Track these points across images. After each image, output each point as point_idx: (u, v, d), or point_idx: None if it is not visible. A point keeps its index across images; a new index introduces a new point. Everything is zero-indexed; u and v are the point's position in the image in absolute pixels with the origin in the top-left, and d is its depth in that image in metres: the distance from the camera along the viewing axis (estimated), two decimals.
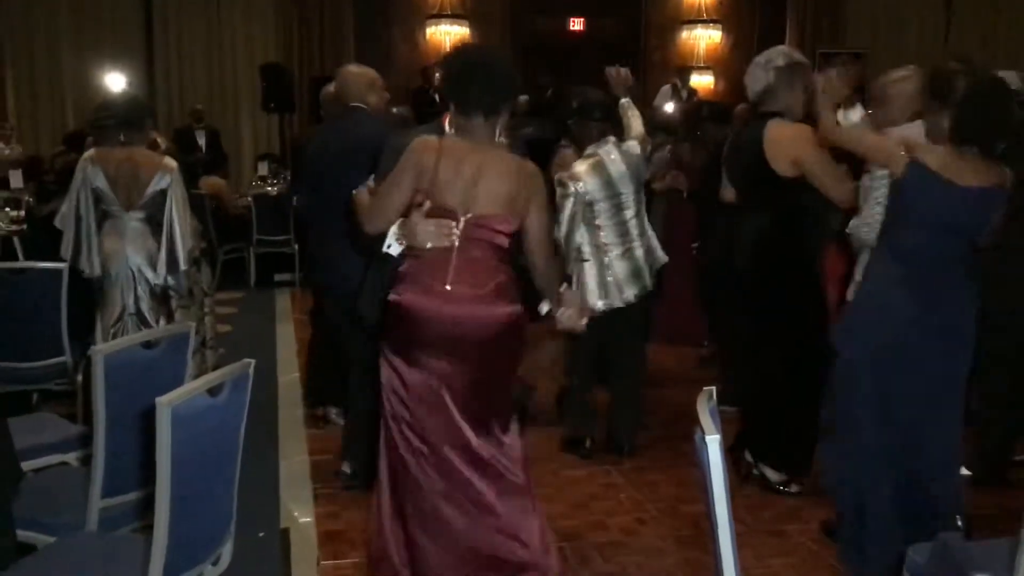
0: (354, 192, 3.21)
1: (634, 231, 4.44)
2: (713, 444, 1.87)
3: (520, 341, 3.01)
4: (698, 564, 3.48)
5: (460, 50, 3.15)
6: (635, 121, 4.56)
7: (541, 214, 2.98)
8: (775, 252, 3.99)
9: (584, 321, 3.08)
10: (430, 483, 2.92)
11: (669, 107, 8.18)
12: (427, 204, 2.87)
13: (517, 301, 2.97)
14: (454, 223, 2.88)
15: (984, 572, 2.17)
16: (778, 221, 3.96)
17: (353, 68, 4.42)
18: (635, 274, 4.43)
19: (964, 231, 3.15)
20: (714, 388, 2.10)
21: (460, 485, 2.93)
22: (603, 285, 4.39)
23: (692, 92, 11.01)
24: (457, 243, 2.88)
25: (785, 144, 3.88)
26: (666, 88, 10.73)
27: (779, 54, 4.06)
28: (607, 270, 4.38)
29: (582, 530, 3.81)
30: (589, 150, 4.43)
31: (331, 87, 5.12)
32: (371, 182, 3.18)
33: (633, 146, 4.44)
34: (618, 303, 4.40)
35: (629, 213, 4.41)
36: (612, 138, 4.43)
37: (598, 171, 4.34)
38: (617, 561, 3.56)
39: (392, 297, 2.92)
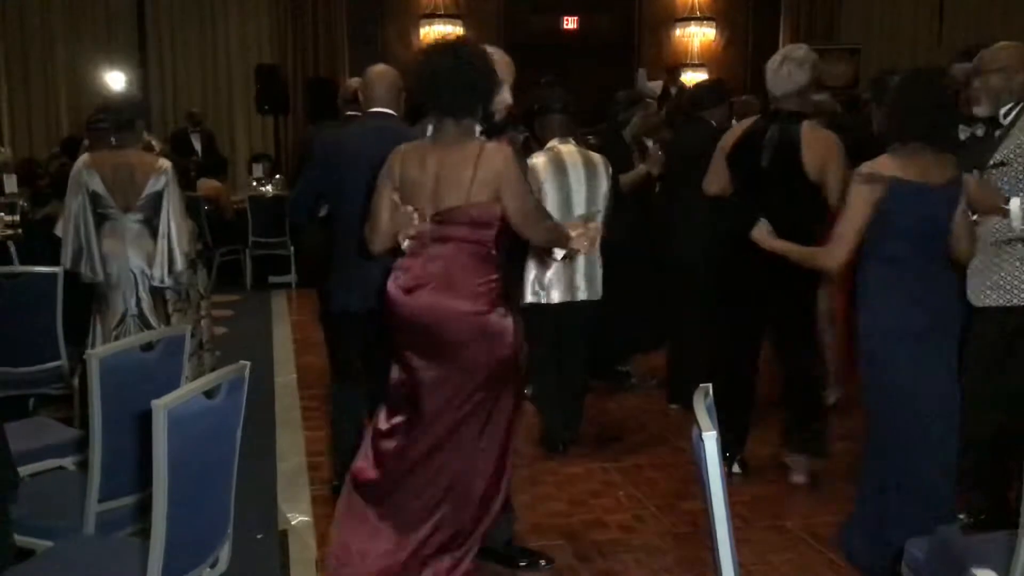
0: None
1: None
2: (710, 441, 1.87)
3: (487, 342, 2.98)
4: (697, 561, 3.48)
5: (430, 52, 3.09)
6: None
7: (515, 192, 2.95)
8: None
9: (593, 236, 3.24)
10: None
11: (648, 85, 8.16)
12: (396, 197, 2.99)
13: (490, 303, 2.98)
14: (414, 211, 2.95)
15: (983, 565, 2.17)
16: (801, 220, 3.88)
17: (380, 68, 4.06)
18: (565, 278, 4.41)
19: (921, 230, 3.16)
20: (710, 385, 2.10)
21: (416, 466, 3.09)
22: (538, 280, 4.38)
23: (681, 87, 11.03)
24: (427, 238, 2.97)
25: (823, 150, 3.89)
26: (657, 83, 10.71)
27: (807, 50, 4.00)
28: (543, 266, 4.35)
29: (581, 528, 3.81)
30: (550, 144, 4.43)
31: (352, 83, 5.04)
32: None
33: (598, 156, 4.47)
34: (545, 300, 4.41)
35: (577, 212, 4.35)
36: (572, 140, 4.47)
37: (554, 164, 4.33)
38: (616, 558, 3.56)
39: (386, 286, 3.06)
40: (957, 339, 3.26)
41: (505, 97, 3.29)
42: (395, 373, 3.12)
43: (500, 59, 3.30)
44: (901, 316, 3.15)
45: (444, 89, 2.93)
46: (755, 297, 4.11)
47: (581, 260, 4.41)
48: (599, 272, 4.52)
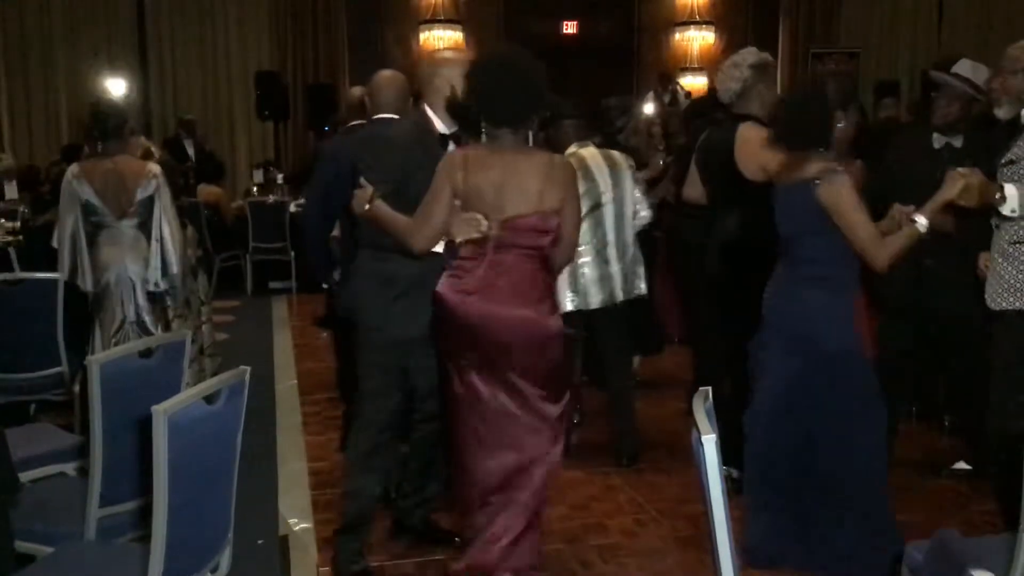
0: (369, 206, 3.13)
1: (611, 235, 4.40)
2: (709, 444, 1.87)
3: (544, 346, 3.01)
4: (698, 564, 3.48)
5: (486, 61, 3.09)
6: None
7: (573, 212, 3.05)
8: (745, 253, 3.98)
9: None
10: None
11: (649, 108, 8.15)
12: (457, 202, 3.00)
13: (550, 308, 3.04)
14: (483, 216, 2.96)
15: (982, 567, 2.18)
16: (748, 223, 3.94)
17: (388, 74, 4.08)
18: (602, 280, 4.40)
19: (783, 228, 3.24)
20: (710, 389, 2.10)
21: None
22: (573, 285, 4.38)
23: (687, 94, 11.04)
24: (491, 245, 2.97)
25: (756, 149, 3.88)
26: (648, 94, 10.76)
27: (749, 54, 4.10)
28: (578, 270, 4.35)
29: (582, 532, 3.81)
30: (571, 149, 4.43)
31: (355, 92, 5.04)
32: (371, 189, 3.14)
33: (619, 155, 4.47)
34: (582, 306, 4.40)
35: (608, 213, 4.38)
36: (590, 142, 4.47)
37: (580, 171, 4.34)
38: (617, 562, 3.56)
39: (437, 288, 3.05)
40: (799, 362, 3.24)
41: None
42: (456, 382, 3.08)
43: (454, 56, 3.38)
44: (767, 296, 3.33)
45: (499, 101, 2.95)
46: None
47: (615, 263, 4.41)
48: (638, 269, 4.50)
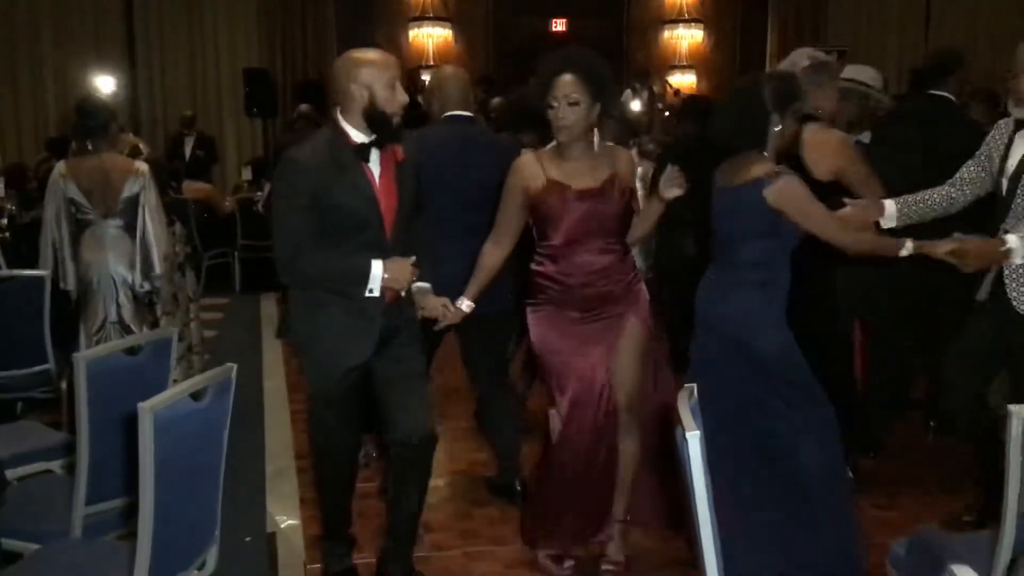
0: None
1: None
2: (693, 441, 1.89)
3: None
4: (688, 562, 3.48)
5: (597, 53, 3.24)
6: None
7: None
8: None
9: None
10: None
11: (636, 105, 8.16)
12: None
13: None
14: None
15: (963, 563, 2.20)
16: None
17: (451, 70, 4.00)
18: None
19: (724, 229, 3.16)
20: (695, 386, 2.12)
21: None
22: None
23: (676, 91, 11.05)
24: None
25: (829, 152, 3.72)
26: (627, 92, 10.78)
27: (803, 55, 4.01)
28: None
29: None
30: None
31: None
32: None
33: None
34: None
35: None
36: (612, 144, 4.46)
37: None
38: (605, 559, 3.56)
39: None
40: (735, 347, 3.12)
41: (400, 96, 3.02)
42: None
43: (371, 57, 3.02)
44: (702, 298, 3.25)
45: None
46: None
47: None
48: None
